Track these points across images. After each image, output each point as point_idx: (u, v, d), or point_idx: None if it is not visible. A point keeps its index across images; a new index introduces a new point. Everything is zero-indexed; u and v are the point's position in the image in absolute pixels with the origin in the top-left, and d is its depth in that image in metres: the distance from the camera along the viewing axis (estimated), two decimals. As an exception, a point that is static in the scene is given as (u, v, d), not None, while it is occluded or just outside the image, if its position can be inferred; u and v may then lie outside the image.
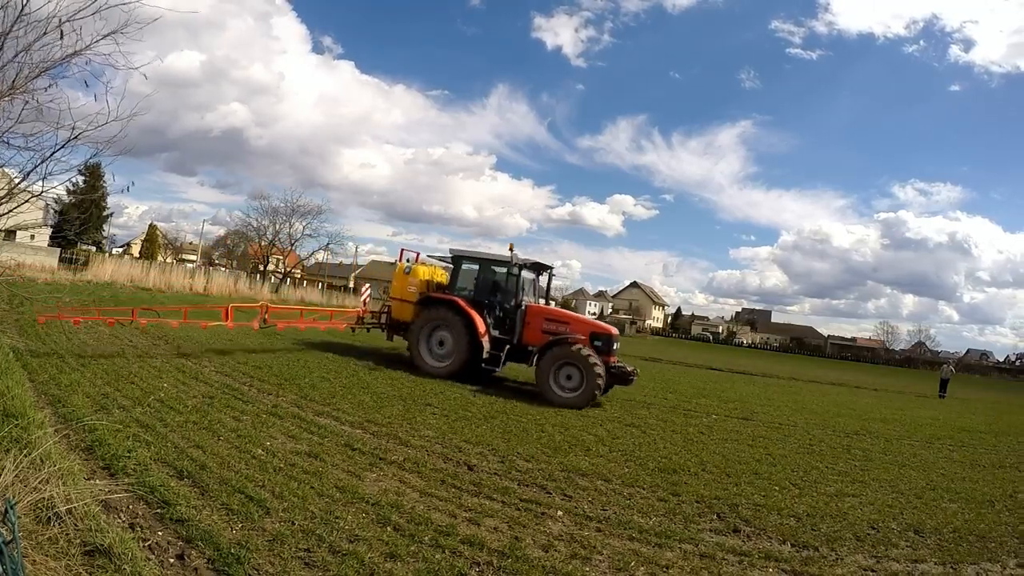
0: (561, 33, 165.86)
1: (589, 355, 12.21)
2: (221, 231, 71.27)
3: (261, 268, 53.13)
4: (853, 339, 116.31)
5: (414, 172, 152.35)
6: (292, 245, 53.11)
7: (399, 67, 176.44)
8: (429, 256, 16.06)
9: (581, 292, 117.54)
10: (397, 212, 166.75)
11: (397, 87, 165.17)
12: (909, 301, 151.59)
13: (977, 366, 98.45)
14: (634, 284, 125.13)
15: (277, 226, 51.11)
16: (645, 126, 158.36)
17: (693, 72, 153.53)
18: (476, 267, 14.14)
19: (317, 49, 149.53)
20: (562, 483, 6.93)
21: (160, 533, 4.31)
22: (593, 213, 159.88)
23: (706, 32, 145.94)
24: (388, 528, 4.93)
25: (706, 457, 9.17)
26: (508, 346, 13.27)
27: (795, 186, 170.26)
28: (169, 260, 60.60)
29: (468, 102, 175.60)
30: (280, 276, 53.45)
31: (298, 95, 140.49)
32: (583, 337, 12.71)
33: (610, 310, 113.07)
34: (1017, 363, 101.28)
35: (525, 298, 13.70)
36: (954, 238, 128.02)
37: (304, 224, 51.28)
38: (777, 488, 7.96)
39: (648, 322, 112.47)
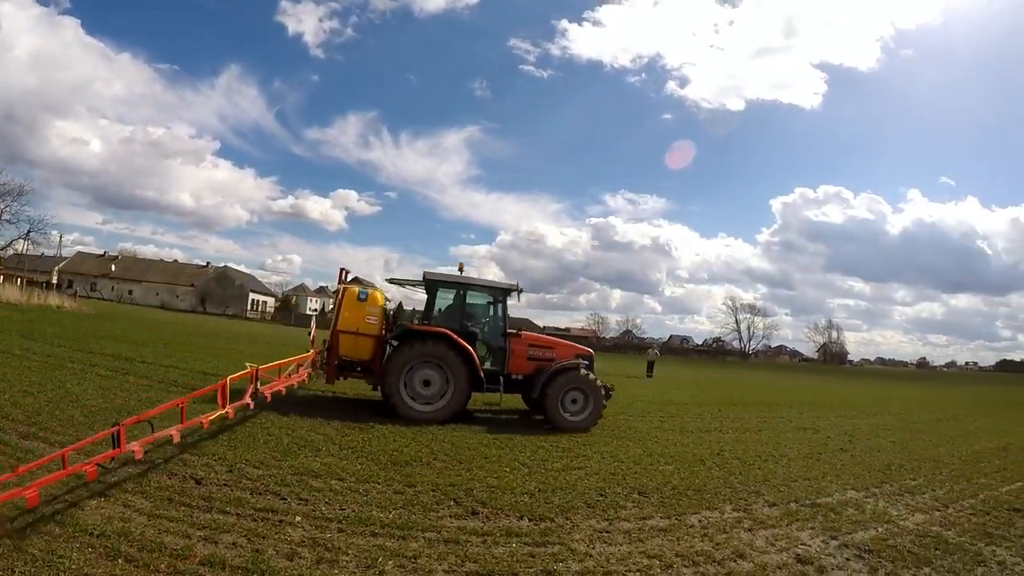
0: (305, 20, 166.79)
1: (590, 376, 12.71)
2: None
3: (-49, 260, 43.49)
4: (567, 329, 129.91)
5: (130, 153, 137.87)
6: (-13, 232, 43.99)
7: (129, 33, 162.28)
8: (388, 280, 14.90)
9: (302, 288, 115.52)
10: (108, 197, 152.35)
11: (123, 55, 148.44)
12: (617, 295, 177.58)
13: (679, 349, 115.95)
14: (356, 280, 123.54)
15: (-29, 209, 41.96)
16: (375, 123, 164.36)
17: (428, 76, 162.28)
18: (458, 293, 13.23)
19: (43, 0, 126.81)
20: (296, 487, 6.79)
21: None
22: (316, 207, 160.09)
23: (447, 40, 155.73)
24: (119, 561, 4.56)
25: (436, 447, 9.45)
26: (501, 377, 12.71)
27: (514, 190, 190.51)
28: None
29: (196, 80, 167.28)
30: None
31: (11, 51, 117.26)
32: (584, 361, 13.15)
33: (332, 306, 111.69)
34: (713, 346, 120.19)
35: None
36: (657, 242, 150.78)
37: (3, 207, 42.59)
38: (508, 469, 8.52)
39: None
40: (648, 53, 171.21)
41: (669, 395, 23.42)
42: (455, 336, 12.10)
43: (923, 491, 9.24)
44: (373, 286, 12.84)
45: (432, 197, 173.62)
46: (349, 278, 13.58)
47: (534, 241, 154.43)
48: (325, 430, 9.91)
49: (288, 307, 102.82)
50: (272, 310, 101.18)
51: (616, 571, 5.29)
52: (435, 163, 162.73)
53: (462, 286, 13.17)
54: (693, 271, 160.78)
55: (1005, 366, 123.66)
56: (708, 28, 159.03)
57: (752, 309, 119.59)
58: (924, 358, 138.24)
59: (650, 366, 37.63)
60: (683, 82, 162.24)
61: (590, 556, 5.56)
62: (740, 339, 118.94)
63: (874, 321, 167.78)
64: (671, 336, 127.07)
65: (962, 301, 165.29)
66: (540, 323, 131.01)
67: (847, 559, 6.07)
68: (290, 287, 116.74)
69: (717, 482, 8.82)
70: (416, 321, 13.13)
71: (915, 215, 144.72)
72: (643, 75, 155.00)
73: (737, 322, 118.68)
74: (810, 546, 6.36)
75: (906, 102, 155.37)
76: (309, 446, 8.71)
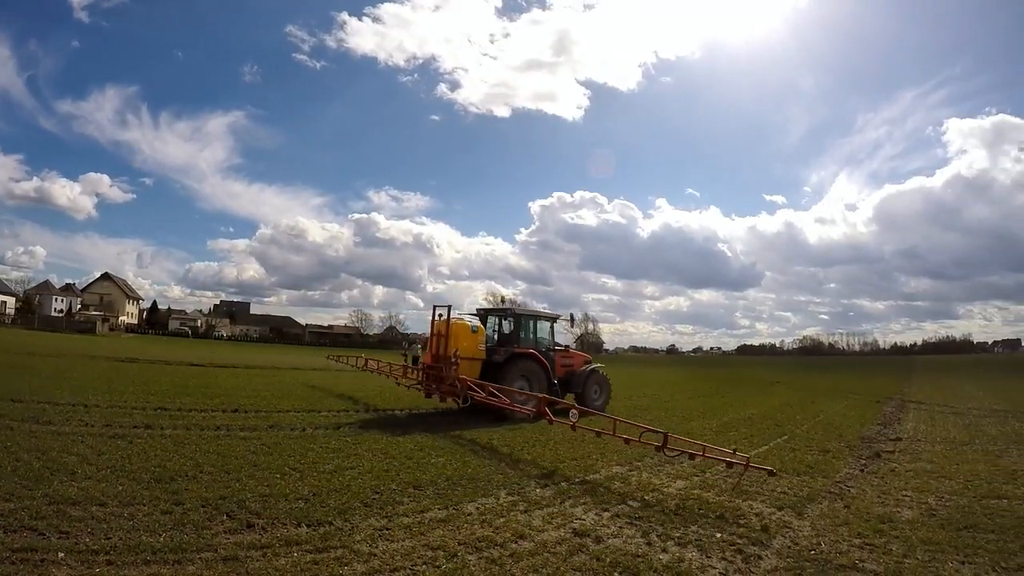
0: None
1: (604, 375, 19.71)
2: None
3: None
4: (330, 326, 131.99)
5: None
6: None
7: None
8: (464, 314, 18.75)
9: (46, 285, 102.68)
10: None
11: None
12: (379, 291, 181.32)
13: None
14: (106, 276, 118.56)
15: None
16: (134, 99, 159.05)
17: (197, 54, 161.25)
18: (534, 322, 18.72)
19: None
20: (53, 519, 6.27)
21: None
22: (64, 191, 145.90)
23: (222, 18, 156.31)
24: None
25: (201, 458, 9.24)
26: (555, 381, 17.82)
27: (277, 181, 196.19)
28: None
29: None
30: None
31: None
32: (600, 365, 20.20)
33: (79, 306, 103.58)
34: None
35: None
36: (419, 239, 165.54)
37: None
38: (279, 475, 8.57)
39: (122, 318, 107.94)
40: (423, 55, 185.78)
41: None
42: (539, 355, 17.57)
43: (681, 461, 10.66)
44: (460, 318, 17.59)
45: (190, 186, 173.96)
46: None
47: (295, 236, 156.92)
48: (79, 449, 9.31)
49: (31, 308, 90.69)
50: (12, 312, 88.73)
51: (402, 567, 5.63)
52: (196, 148, 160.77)
53: (536, 317, 18.95)
54: (455, 268, 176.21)
55: (745, 350, 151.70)
56: (484, 37, 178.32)
57: (512, 304, 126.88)
58: (673, 345, 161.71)
59: (415, 360, 38.25)
60: (454, 86, 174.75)
61: (374, 555, 5.86)
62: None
63: (626, 313, 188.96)
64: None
65: (705, 295, 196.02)
66: (302, 320, 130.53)
67: (620, 527, 7.03)
68: (32, 285, 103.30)
69: (489, 470, 9.61)
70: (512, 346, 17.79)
71: (663, 220, 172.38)
72: (416, 75, 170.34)
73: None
74: (585, 519, 7.28)
75: (660, 122, 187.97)
76: (63, 469, 8.10)
